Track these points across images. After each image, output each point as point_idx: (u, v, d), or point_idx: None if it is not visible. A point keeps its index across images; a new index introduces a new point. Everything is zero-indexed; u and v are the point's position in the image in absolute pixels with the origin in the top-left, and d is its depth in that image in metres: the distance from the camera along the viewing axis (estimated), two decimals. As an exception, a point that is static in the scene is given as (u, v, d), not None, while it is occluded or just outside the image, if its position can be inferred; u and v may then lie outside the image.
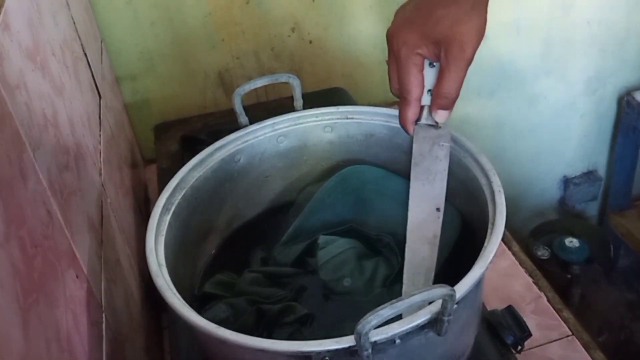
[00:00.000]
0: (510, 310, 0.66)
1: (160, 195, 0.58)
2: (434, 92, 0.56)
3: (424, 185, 0.59)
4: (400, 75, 0.55)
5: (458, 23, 0.51)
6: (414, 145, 0.60)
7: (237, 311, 0.58)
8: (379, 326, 0.40)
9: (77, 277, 0.48)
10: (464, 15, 0.51)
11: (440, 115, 0.57)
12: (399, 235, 0.61)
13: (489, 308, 0.67)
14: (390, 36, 0.55)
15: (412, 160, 0.60)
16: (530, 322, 0.65)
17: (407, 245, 0.57)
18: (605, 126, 1.52)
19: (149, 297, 0.77)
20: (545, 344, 0.74)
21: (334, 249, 0.63)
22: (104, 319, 0.53)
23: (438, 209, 0.58)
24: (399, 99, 0.57)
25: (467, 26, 0.51)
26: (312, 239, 0.65)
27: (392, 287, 0.61)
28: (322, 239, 0.65)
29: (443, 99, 0.55)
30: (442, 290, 0.41)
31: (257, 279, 0.61)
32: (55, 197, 0.46)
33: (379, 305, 0.40)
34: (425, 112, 0.59)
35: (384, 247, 0.65)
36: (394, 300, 0.40)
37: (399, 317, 0.42)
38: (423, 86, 0.57)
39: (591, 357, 0.72)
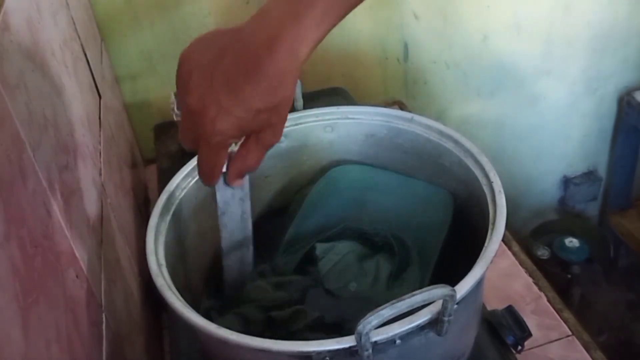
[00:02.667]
0: (510, 311, 0.66)
1: (161, 196, 0.59)
2: (234, 165, 0.49)
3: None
4: (206, 154, 0.46)
5: (276, 112, 0.45)
6: (218, 195, 0.54)
7: (247, 321, 0.57)
8: (380, 326, 0.41)
9: (77, 277, 0.48)
10: (278, 99, 0.44)
11: (238, 182, 0.52)
12: (393, 226, 0.62)
13: (489, 308, 0.67)
14: (197, 107, 0.44)
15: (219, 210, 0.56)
16: (530, 322, 0.65)
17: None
18: (605, 126, 1.52)
19: (149, 297, 0.77)
20: (545, 344, 0.74)
21: (333, 257, 0.63)
22: (104, 319, 0.53)
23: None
24: (198, 164, 0.48)
25: (283, 114, 0.46)
26: (309, 245, 0.65)
27: (395, 282, 0.61)
28: (319, 247, 0.64)
29: (244, 170, 0.50)
30: (442, 290, 0.41)
31: (261, 286, 0.61)
32: (55, 197, 0.46)
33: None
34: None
35: (381, 240, 0.65)
36: (394, 301, 0.40)
37: (399, 318, 0.42)
38: None
39: (591, 357, 0.72)
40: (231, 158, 0.49)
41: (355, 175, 0.68)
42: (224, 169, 0.50)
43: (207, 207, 0.64)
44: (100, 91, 0.82)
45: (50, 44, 0.59)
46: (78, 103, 0.65)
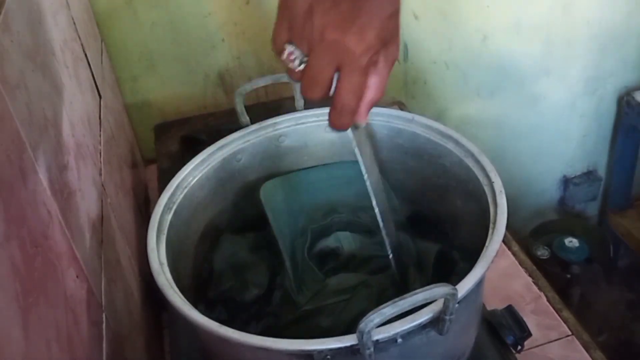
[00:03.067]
0: (510, 310, 0.66)
1: (162, 194, 0.59)
2: (366, 98, 0.47)
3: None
4: (356, 80, 0.44)
5: (397, 17, 0.45)
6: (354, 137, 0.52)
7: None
8: (381, 325, 0.41)
9: (77, 277, 0.48)
10: (398, 3, 0.45)
11: (367, 117, 0.50)
12: (369, 208, 0.62)
13: (489, 308, 0.67)
14: (336, 34, 0.42)
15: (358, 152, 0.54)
16: (530, 322, 0.65)
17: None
18: (605, 126, 1.52)
19: (149, 297, 0.77)
20: (545, 343, 0.74)
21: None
22: (104, 319, 0.53)
23: None
24: (340, 100, 0.45)
25: (399, 21, 0.46)
26: (317, 284, 0.63)
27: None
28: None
29: (376, 100, 0.48)
30: (444, 289, 0.41)
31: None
32: (56, 197, 0.46)
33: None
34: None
35: (365, 230, 0.66)
36: (396, 299, 0.40)
37: (400, 316, 0.42)
38: None
39: (591, 357, 0.72)
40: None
41: (310, 178, 0.69)
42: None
43: (208, 206, 0.64)
44: (101, 91, 0.82)
45: (51, 44, 0.59)
46: (78, 103, 0.65)
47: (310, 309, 0.58)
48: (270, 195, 0.65)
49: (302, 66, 0.44)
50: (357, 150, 0.51)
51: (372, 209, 0.57)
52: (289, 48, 0.44)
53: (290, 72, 0.45)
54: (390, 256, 0.58)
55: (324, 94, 0.45)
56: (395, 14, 0.44)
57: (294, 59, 0.44)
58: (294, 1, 0.43)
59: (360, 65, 0.43)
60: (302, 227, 0.67)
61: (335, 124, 0.46)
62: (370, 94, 0.46)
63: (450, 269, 0.59)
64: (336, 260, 0.65)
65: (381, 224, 0.56)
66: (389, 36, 0.44)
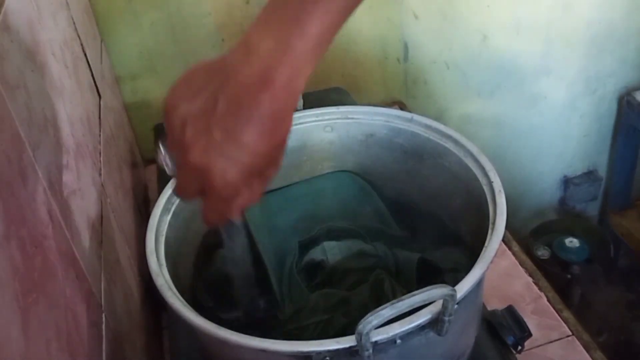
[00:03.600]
0: (510, 311, 0.66)
1: (161, 196, 0.59)
2: (239, 203, 0.46)
3: None
4: (218, 206, 0.44)
5: (280, 147, 0.43)
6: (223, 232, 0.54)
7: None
8: (380, 326, 0.40)
9: (77, 277, 0.48)
10: (282, 136, 0.42)
11: (240, 216, 0.50)
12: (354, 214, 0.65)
13: (489, 308, 0.67)
14: (201, 163, 0.41)
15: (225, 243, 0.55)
16: (530, 322, 0.65)
17: None
18: (605, 126, 1.52)
19: (149, 297, 0.77)
20: (545, 344, 0.74)
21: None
22: (103, 319, 0.53)
23: None
24: (206, 214, 0.45)
25: (284, 148, 0.44)
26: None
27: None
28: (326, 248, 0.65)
29: (249, 205, 0.47)
30: (443, 290, 0.41)
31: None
32: (55, 197, 0.46)
33: None
34: None
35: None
36: (394, 301, 0.40)
37: (399, 318, 0.42)
38: None
39: (591, 357, 0.72)
40: None
41: (272, 206, 0.69)
42: None
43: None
44: (100, 91, 0.82)
45: (51, 44, 0.59)
46: (78, 103, 0.65)
47: (292, 328, 0.58)
48: (253, 214, 0.65)
49: (174, 169, 0.44)
50: (225, 243, 0.52)
51: (359, 214, 0.59)
52: (163, 150, 0.44)
53: (162, 166, 0.45)
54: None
55: (190, 200, 0.44)
56: (273, 149, 0.41)
57: (165, 161, 0.45)
58: (172, 110, 0.41)
59: (221, 194, 0.42)
60: (290, 242, 0.67)
61: (206, 223, 0.46)
62: (242, 200, 0.44)
63: (436, 279, 0.59)
64: (322, 274, 0.65)
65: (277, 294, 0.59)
66: (261, 168, 0.42)
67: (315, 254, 0.65)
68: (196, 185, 0.42)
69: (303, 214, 0.70)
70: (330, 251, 0.65)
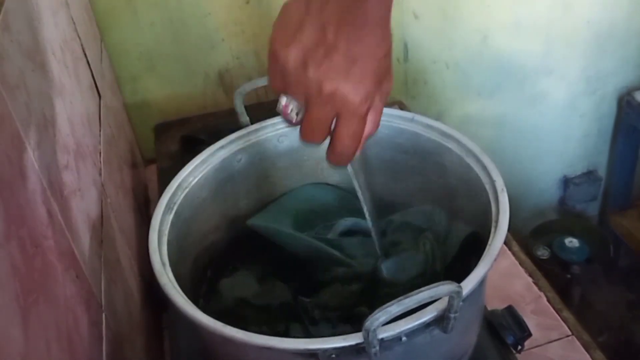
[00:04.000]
0: (510, 310, 0.66)
1: (163, 195, 0.59)
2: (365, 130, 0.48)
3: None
4: (356, 125, 0.44)
5: (390, 54, 0.44)
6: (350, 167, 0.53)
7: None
8: (386, 323, 0.41)
9: (77, 277, 0.48)
10: (390, 40, 0.44)
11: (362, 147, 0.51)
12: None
13: (489, 308, 0.67)
14: (331, 87, 0.42)
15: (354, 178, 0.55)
16: (530, 322, 0.65)
17: None
18: (605, 126, 1.52)
19: (149, 297, 0.77)
20: (545, 344, 0.74)
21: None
22: (104, 319, 0.53)
23: None
24: (339, 142, 0.45)
25: (391, 56, 0.45)
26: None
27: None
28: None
29: (372, 132, 0.49)
30: (449, 287, 0.41)
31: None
32: (55, 197, 0.46)
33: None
34: None
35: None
36: (401, 297, 0.40)
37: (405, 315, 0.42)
38: None
39: (591, 357, 0.72)
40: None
41: (271, 214, 0.69)
42: None
43: (209, 206, 0.64)
44: (101, 91, 0.82)
45: (51, 44, 0.59)
46: (78, 103, 0.65)
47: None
48: (262, 221, 0.66)
49: (300, 116, 0.45)
50: (354, 180, 0.53)
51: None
52: (284, 100, 0.45)
53: (286, 119, 0.46)
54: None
55: (323, 139, 0.45)
56: (387, 55, 0.43)
57: (290, 111, 0.45)
58: (285, 54, 0.42)
59: (359, 112, 0.43)
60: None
61: (335, 163, 0.47)
62: (368, 129, 0.46)
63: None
64: (363, 233, 0.64)
65: (377, 245, 0.58)
66: (383, 76, 0.44)
67: (342, 226, 0.65)
68: (331, 116, 0.43)
69: (306, 219, 0.69)
70: (356, 223, 0.65)
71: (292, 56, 0.42)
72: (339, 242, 0.63)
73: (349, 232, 0.66)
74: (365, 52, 0.41)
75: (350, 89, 0.42)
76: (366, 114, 0.44)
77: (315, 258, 0.62)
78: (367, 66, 0.42)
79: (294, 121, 0.45)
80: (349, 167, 0.51)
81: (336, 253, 0.61)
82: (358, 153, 0.48)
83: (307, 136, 0.45)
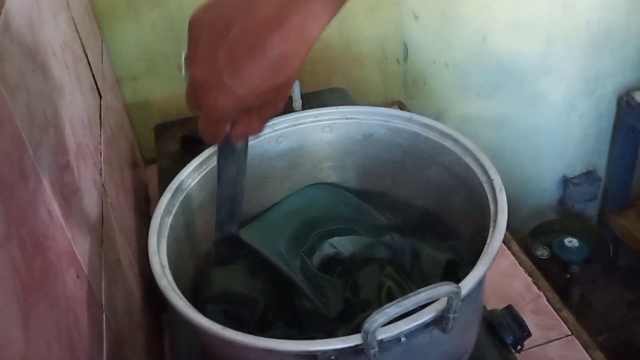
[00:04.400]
0: (509, 310, 0.66)
1: (162, 197, 0.59)
2: (237, 129, 0.49)
3: None
4: (207, 125, 0.46)
5: (278, 92, 0.43)
6: (218, 151, 0.56)
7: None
8: (385, 324, 0.41)
9: (77, 277, 0.48)
10: (283, 80, 0.42)
11: (241, 142, 0.53)
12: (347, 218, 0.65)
13: (488, 308, 0.67)
14: (201, 80, 0.43)
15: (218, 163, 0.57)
16: (530, 322, 0.65)
17: None
18: (604, 126, 1.53)
19: (149, 297, 0.77)
20: (545, 343, 0.74)
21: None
22: (104, 319, 0.54)
23: None
24: (200, 127, 0.47)
25: (284, 94, 0.45)
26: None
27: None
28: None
29: (247, 135, 0.51)
30: (447, 287, 0.41)
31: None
32: (56, 197, 0.47)
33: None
34: None
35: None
36: (400, 299, 0.40)
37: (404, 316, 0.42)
38: None
39: (591, 357, 0.72)
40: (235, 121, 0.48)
41: (263, 224, 0.69)
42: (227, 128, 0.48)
43: (208, 208, 0.64)
44: (101, 91, 0.82)
45: (51, 44, 0.59)
46: (79, 103, 0.65)
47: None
48: (253, 235, 0.65)
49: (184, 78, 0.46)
50: (217, 163, 0.56)
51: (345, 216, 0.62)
52: (183, 54, 0.46)
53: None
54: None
55: (196, 108, 0.45)
56: (272, 90, 0.42)
57: (179, 67, 0.46)
58: (197, 22, 0.43)
59: (208, 116, 0.44)
60: (293, 253, 0.66)
61: (201, 136, 0.47)
62: (241, 129, 0.47)
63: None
64: (340, 265, 0.64)
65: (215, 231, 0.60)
66: (258, 104, 0.43)
67: (326, 249, 0.65)
68: (196, 98, 0.44)
69: (296, 226, 0.68)
70: (339, 244, 0.65)
71: (197, 28, 0.43)
72: (315, 277, 0.62)
73: (332, 259, 0.65)
74: (245, 77, 0.41)
75: (209, 92, 0.42)
76: (220, 122, 0.45)
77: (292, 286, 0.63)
78: (238, 89, 0.41)
79: (181, 73, 0.47)
80: (217, 148, 0.55)
81: (308, 293, 0.60)
82: (238, 144, 0.50)
83: (186, 97, 0.46)
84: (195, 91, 0.44)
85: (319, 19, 0.40)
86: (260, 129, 0.48)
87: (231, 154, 0.55)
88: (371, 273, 0.61)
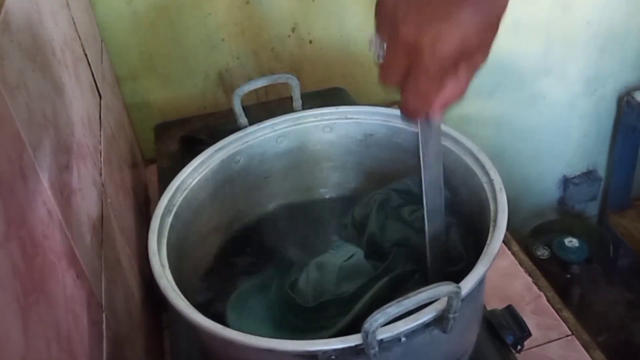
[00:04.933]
0: (510, 310, 0.66)
1: (162, 197, 0.59)
2: (443, 95, 0.46)
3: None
4: (423, 85, 0.42)
5: (492, 28, 0.42)
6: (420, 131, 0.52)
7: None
8: (385, 324, 0.41)
9: (77, 277, 0.48)
10: (496, 13, 0.42)
11: (441, 115, 0.48)
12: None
13: (488, 308, 0.67)
14: (413, 35, 0.40)
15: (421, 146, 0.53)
16: (530, 322, 0.65)
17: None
18: (604, 126, 1.53)
19: (149, 297, 0.77)
20: (545, 343, 0.74)
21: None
22: (104, 319, 0.54)
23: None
24: (407, 98, 0.44)
25: (496, 31, 0.43)
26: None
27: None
28: None
29: (452, 100, 0.47)
30: (447, 287, 0.41)
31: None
32: (56, 197, 0.47)
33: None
34: None
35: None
36: (400, 298, 0.40)
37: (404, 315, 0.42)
38: None
39: (591, 357, 0.72)
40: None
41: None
42: None
43: (208, 208, 0.64)
44: (101, 91, 0.82)
45: (51, 44, 0.59)
46: (78, 103, 0.65)
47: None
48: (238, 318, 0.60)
49: (381, 58, 0.43)
50: (420, 145, 0.50)
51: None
52: (373, 38, 0.43)
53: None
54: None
55: (396, 85, 0.43)
56: (489, 26, 0.40)
57: (373, 50, 0.43)
58: None
59: (427, 71, 0.40)
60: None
61: (405, 113, 0.45)
62: (445, 94, 0.43)
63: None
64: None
65: (426, 224, 0.55)
66: (474, 47, 0.41)
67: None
68: (403, 64, 0.41)
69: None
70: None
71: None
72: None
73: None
74: (460, 17, 0.39)
75: (426, 43, 0.39)
76: (440, 75, 0.41)
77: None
78: (455, 31, 0.39)
79: (376, 59, 0.44)
80: (418, 127, 0.49)
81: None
82: (435, 119, 0.46)
83: (381, 77, 0.43)
84: (403, 54, 0.40)
85: None
86: (467, 88, 0.44)
87: (430, 133, 0.50)
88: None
